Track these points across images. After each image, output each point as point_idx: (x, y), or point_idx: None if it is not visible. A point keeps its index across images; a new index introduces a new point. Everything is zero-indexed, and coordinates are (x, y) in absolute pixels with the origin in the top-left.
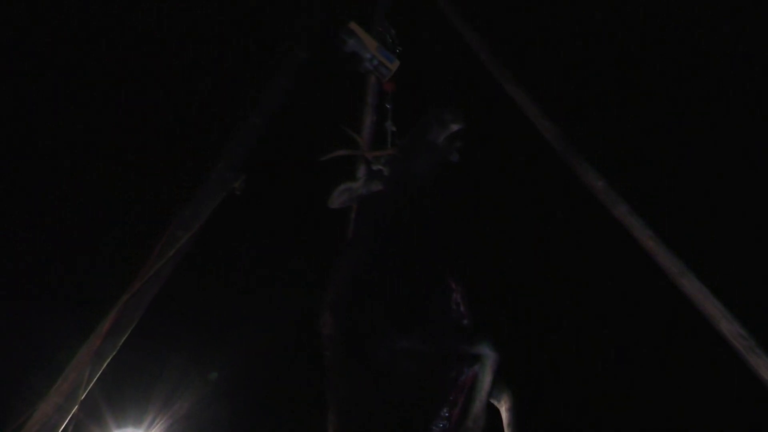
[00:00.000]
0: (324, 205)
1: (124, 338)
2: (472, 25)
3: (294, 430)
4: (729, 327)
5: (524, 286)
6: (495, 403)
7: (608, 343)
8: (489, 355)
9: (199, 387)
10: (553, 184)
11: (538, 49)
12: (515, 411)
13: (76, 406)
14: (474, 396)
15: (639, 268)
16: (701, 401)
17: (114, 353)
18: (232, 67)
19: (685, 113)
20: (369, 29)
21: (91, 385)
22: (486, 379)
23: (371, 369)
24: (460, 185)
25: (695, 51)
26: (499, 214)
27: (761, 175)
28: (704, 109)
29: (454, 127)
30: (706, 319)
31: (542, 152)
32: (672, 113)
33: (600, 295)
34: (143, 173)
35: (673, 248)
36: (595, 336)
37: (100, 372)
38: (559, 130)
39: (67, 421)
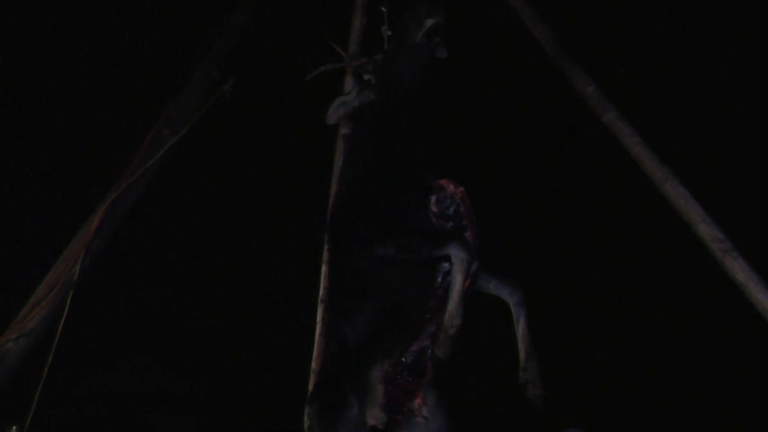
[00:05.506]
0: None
1: (110, 235)
2: None
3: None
4: (707, 230)
5: (515, 192)
6: (504, 297)
7: (592, 245)
8: (457, 255)
9: None
10: (543, 88)
11: None
12: (525, 305)
13: (68, 304)
14: (448, 296)
15: (625, 173)
16: (677, 304)
17: (102, 249)
18: None
19: (678, 21)
20: None
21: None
22: (457, 278)
23: (354, 277)
24: (449, 89)
25: None
26: (489, 117)
27: (749, 86)
28: (698, 19)
29: (430, 23)
30: (685, 223)
31: (534, 55)
32: (666, 19)
33: (586, 200)
34: (130, 70)
35: (660, 155)
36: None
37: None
38: (553, 33)
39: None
